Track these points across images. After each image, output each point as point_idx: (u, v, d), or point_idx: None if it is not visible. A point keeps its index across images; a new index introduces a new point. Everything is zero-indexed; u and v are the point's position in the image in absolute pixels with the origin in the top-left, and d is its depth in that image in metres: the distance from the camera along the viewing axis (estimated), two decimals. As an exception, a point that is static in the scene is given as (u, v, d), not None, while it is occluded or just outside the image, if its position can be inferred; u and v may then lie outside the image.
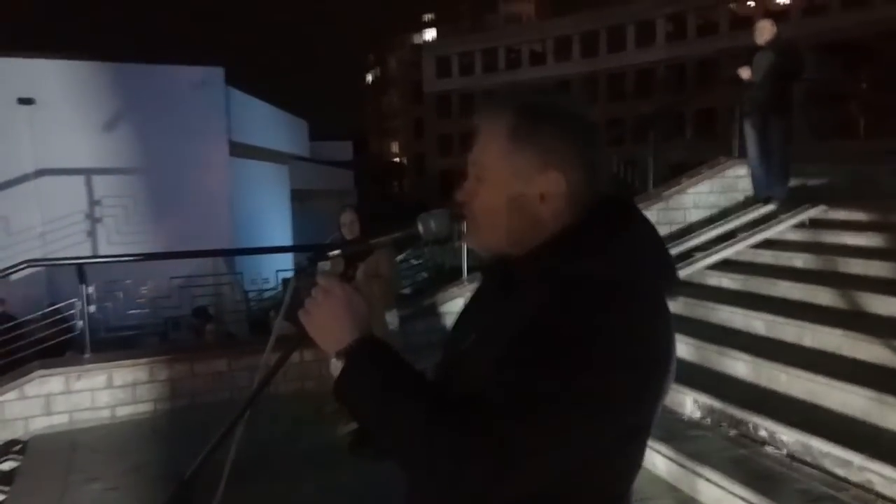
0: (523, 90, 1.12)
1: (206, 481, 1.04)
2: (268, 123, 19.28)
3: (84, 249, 12.12)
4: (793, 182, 6.58)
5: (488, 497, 0.92)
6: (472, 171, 1.09)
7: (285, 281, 10.12)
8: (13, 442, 4.67)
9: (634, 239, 1.04)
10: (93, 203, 12.74)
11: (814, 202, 6.11)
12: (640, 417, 1.00)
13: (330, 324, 1.03)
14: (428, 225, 1.11)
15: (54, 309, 7.08)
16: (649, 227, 1.07)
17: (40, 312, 7.11)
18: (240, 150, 15.04)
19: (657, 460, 3.67)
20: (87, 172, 12.67)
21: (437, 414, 0.93)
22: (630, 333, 0.95)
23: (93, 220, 12.71)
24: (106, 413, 4.98)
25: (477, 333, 1.10)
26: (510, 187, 1.04)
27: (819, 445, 3.31)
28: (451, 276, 6.83)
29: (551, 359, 0.92)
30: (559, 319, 0.94)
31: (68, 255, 10.06)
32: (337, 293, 1.04)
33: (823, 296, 4.76)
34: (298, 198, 20.36)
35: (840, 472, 3.19)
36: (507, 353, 0.95)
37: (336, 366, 1.02)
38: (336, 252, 1.14)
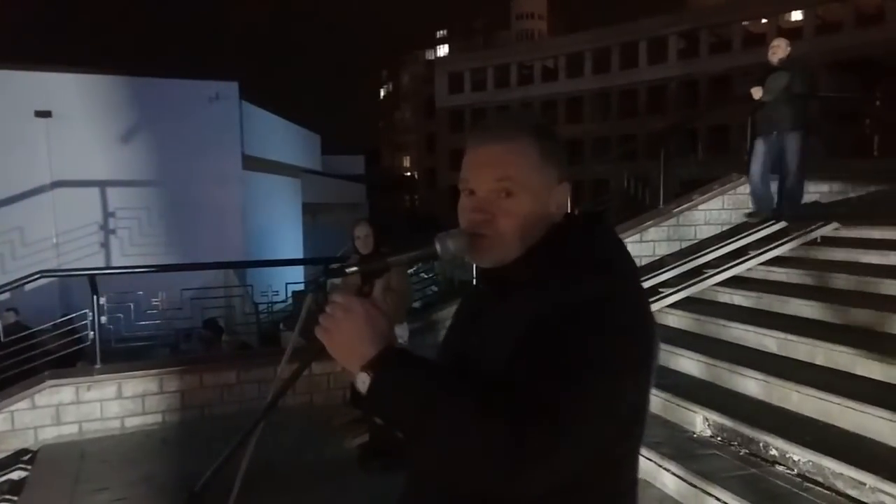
0: (521, 114, 1.22)
1: (214, 493, 1.05)
2: (281, 137, 19.45)
3: (97, 261, 12.24)
4: (805, 199, 6.55)
5: (542, 474, 0.93)
6: (500, 188, 1.11)
7: (295, 294, 10.15)
8: (23, 451, 4.69)
9: (608, 231, 1.19)
10: (107, 215, 12.88)
11: (826, 220, 6.09)
12: (645, 388, 1.10)
13: (351, 340, 1.03)
14: (445, 244, 1.10)
15: (66, 319, 7.13)
16: (613, 230, 1.21)
17: (52, 322, 7.17)
18: (253, 163, 15.17)
19: (666, 479, 3.64)
20: (102, 185, 12.81)
21: (483, 400, 0.94)
22: (635, 301, 1.09)
23: (106, 231, 12.84)
24: (115, 423, 5.00)
25: (479, 338, 1.13)
26: (540, 199, 1.13)
27: (831, 466, 3.27)
28: (460, 290, 6.83)
29: (574, 332, 0.98)
30: (571, 299, 1.01)
31: (82, 266, 10.21)
32: (356, 309, 1.04)
33: (836, 314, 4.72)
34: (310, 211, 20.51)
35: (853, 493, 3.15)
36: (529, 339, 0.99)
37: (362, 380, 1.01)
38: (353, 269, 1.15)
